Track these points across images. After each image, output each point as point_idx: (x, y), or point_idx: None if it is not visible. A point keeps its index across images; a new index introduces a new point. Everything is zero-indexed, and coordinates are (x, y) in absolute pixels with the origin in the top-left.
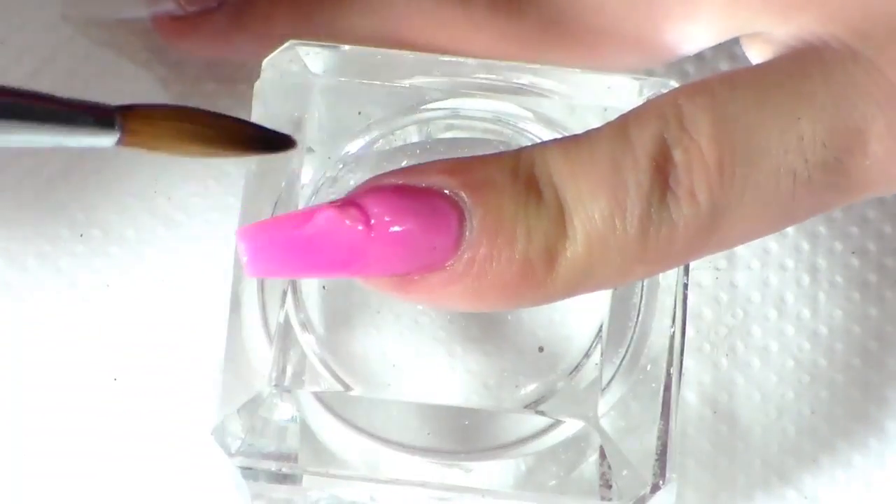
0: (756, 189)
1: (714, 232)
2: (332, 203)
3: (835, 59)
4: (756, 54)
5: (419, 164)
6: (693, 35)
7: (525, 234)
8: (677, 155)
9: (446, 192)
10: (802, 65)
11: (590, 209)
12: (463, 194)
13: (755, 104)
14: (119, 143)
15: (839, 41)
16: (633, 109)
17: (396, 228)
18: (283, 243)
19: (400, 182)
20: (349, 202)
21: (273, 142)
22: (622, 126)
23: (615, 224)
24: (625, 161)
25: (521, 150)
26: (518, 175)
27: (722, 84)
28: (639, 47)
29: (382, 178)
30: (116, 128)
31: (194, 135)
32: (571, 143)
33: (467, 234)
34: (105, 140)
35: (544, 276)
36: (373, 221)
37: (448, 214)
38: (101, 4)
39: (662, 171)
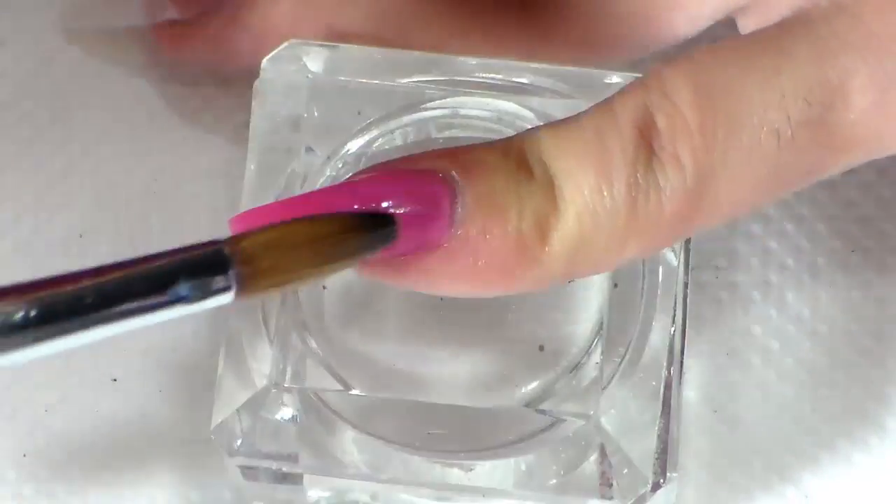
0: (739, 149)
1: (702, 197)
2: (324, 188)
3: (820, 16)
4: (751, 28)
5: (410, 154)
6: (693, 9)
7: (517, 209)
8: (660, 121)
9: (439, 175)
10: (787, 26)
11: (578, 181)
12: (454, 174)
13: (735, 64)
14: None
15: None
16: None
17: (388, 209)
18: None
19: (390, 167)
20: (340, 186)
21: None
22: (608, 101)
23: (603, 193)
24: (609, 131)
25: (512, 136)
26: (509, 155)
27: (704, 51)
28: (638, 27)
29: (373, 167)
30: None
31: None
32: (561, 123)
33: (459, 210)
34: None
35: (539, 251)
36: (363, 205)
37: (440, 193)
38: (102, 16)
39: (646, 138)
